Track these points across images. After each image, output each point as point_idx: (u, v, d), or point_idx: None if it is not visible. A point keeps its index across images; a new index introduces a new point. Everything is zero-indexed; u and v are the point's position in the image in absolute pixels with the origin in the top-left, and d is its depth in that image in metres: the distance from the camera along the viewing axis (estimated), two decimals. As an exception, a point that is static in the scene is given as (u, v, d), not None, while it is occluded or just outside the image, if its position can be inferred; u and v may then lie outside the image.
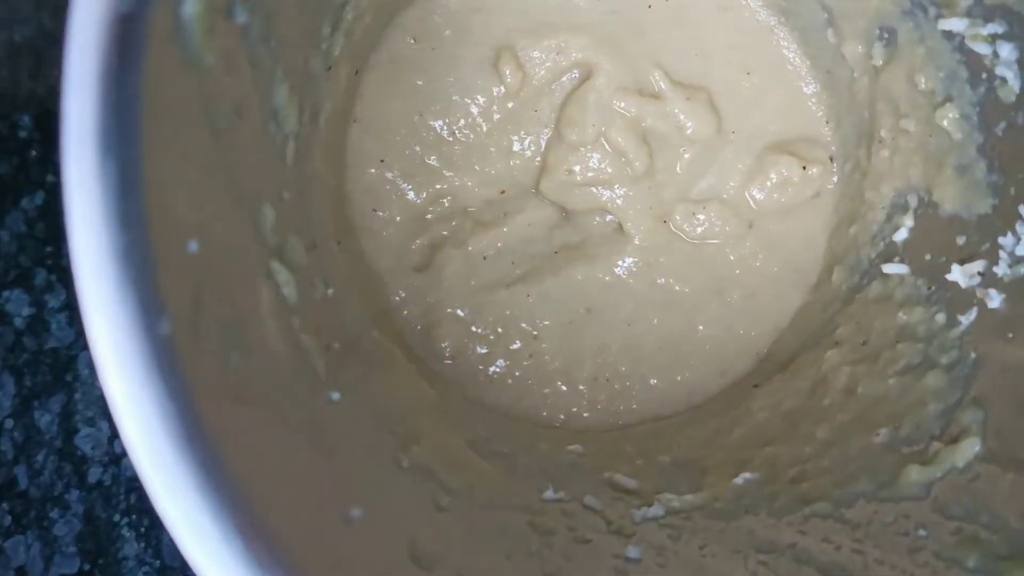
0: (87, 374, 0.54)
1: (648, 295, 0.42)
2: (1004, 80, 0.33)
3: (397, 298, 0.41)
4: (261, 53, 0.25)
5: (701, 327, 0.42)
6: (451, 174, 0.42)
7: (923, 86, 0.37)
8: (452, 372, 0.41)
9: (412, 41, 0.41)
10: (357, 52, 0.38)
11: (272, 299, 0.25)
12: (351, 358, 0.32)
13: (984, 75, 0.34)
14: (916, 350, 0.35)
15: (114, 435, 0.52)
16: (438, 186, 0.42)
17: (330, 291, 0.33)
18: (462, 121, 0.42)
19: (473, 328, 0.41)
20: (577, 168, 0.42)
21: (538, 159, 0.42)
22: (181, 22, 0.19)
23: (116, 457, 0.52)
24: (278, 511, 0.19)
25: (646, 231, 0.42)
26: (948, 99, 0.36)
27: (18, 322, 0.55)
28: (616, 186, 0.42)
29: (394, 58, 0.41)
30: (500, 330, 0.41)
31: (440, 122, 0.41)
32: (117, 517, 0.51)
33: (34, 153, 0.59)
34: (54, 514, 0.51)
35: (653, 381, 0.42)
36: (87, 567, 0.50)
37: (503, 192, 0.42)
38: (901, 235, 0.38)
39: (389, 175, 0.41)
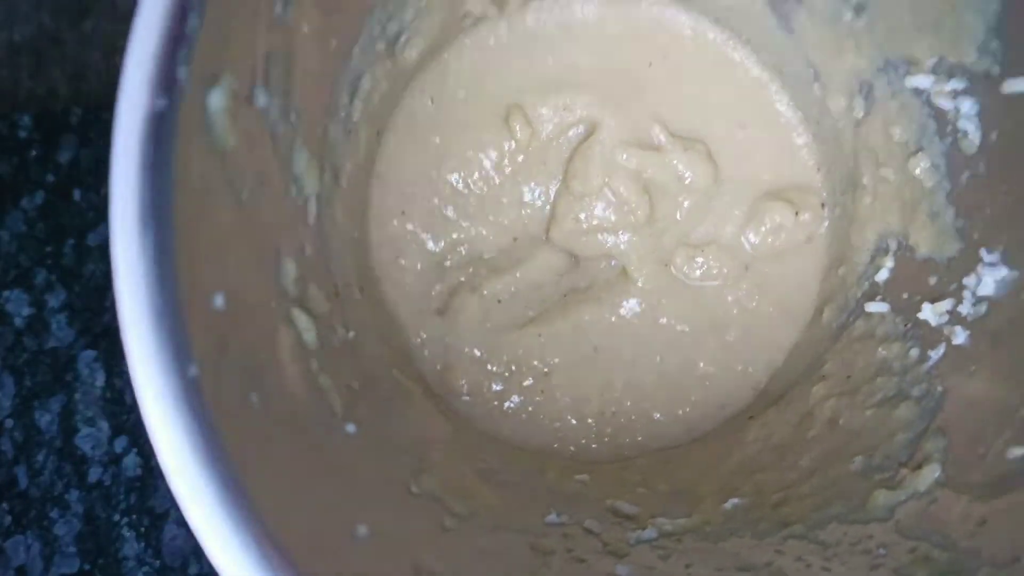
0: (87, 374, 0.53)
1: (651, 335, 0.45)
2: (966, 133, 0.36)
3: (418, 340, 0.44)
4: (281, 128, 0.29)
5: (701, 364, 0.45)
6: (467, 224, 0.45)
7: (898, 137, 0.40)
8: (468, 407, 0.44)
9: (429, 102, 0.45)
10: (376, 115, 0.41)
11: (292, 344, 0.29)
12: (369, 395, 0.35)
13: (949, 128, 0.37)
14: (892, 383, 0.38)
15: (114, 435, 0.52)
16: (455, 235, 0.45)
17: (351, 334, 0.36)
18: (476, 174, 0.45)
19: (488, 367, 0.45)
20: (583, 216, 0.45)
21: (547, 208, 0.45)
22: (208, 114, 0.23)
23: (116, 457, 0.52)
24: (289, 525, 0.23)
25: (649, 274, 0.45)
26: (920, 149, 0.39)
27: (18, 322, 0.55)
28: (620, 233, 0.45)
29: (413, 118, 0.45)
30: (513, 368, 0.45)
31: (456, 176, 0.45)
32: (117, 517, 0.51)
33: (34, 153, 0.58)
34: (54, 514, 0.51)
35: (656, 415, 0.45)
36: (87, 567, 0.50)
37: (515, 240, 0.45)
38: (883, 276, 0.41)
39: (410, 226, 0.45)
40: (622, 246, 0.45)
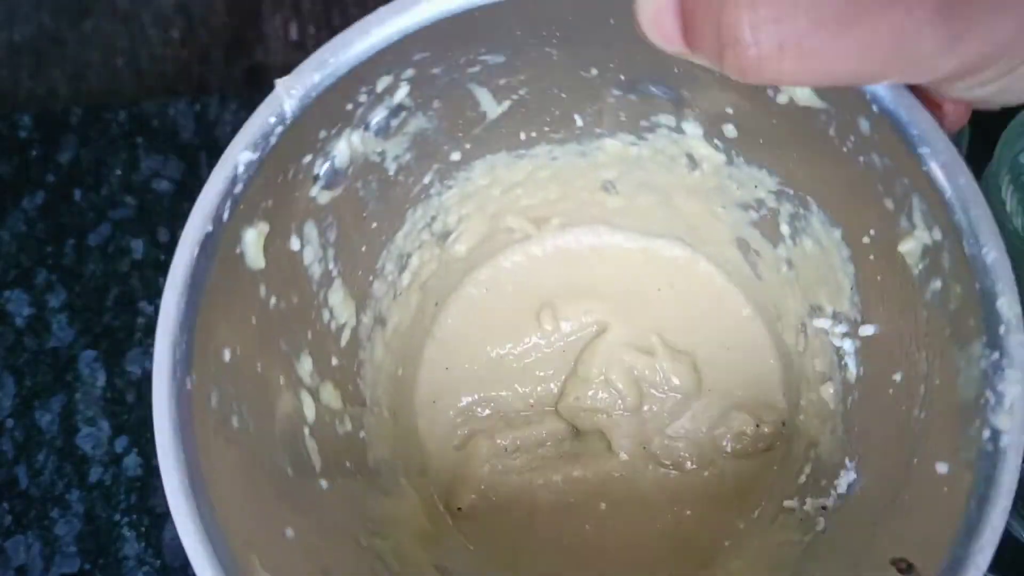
0: (87, 374, 0.56)
1: (624, 499, 0.55)
2: (848, 366, 0.46)
3: (435, 464, 0.56)
4: (317, 270, 0.43)
5: (658, 527, 0.54)
6: (496, 387, 0.58)
7: (818, 368, 0.50)
8: (459, 522, 0.55)
9: (484, 290, 0.59)
10: (430, 289, 0.55)
11: (290, 410, 0.42)
12: (360, 478, 0.47)
13: (842, 362, 0.47)
14: (775, 562, 0.47)
15: (115, 435, 0.54)
16: (482, 394, 0.57)
17: (362, 434, 0.49)
18: (509, 351, 0.58)
19: (488, 498, 0.56)
20: (584, 396, 0.57)
21: (557, 387, 0.57)
22: (242, 243, 0.37)
23: (116, 457, 0.54)
24: (231, 514, 0.35)
25: (630, 452, 0.56)
26: (829, 379, 0.48)
27: (18, 322, 0.57)
28: (612, 414, 0.56)
29: (469, 300, 0.59)
30: (506, 503, 0.56)
31: (494, 349, 0.58)
32: (117, 517, 0.52)
33: (34, 153, 0.61)
34: (54, 514, 0.52)
35: (615, 567, 0.54)
36: (87, 567, 0.51)
37: (531, 405, 0.57)
38: (801, 479, 0.50)
39: (450, 379, 0.58)
40: (612, 426, 0.56)
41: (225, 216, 0.36)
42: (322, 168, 0.40)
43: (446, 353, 0.58)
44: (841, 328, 0.46)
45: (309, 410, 0.44)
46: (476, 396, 0.57)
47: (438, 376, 0.58)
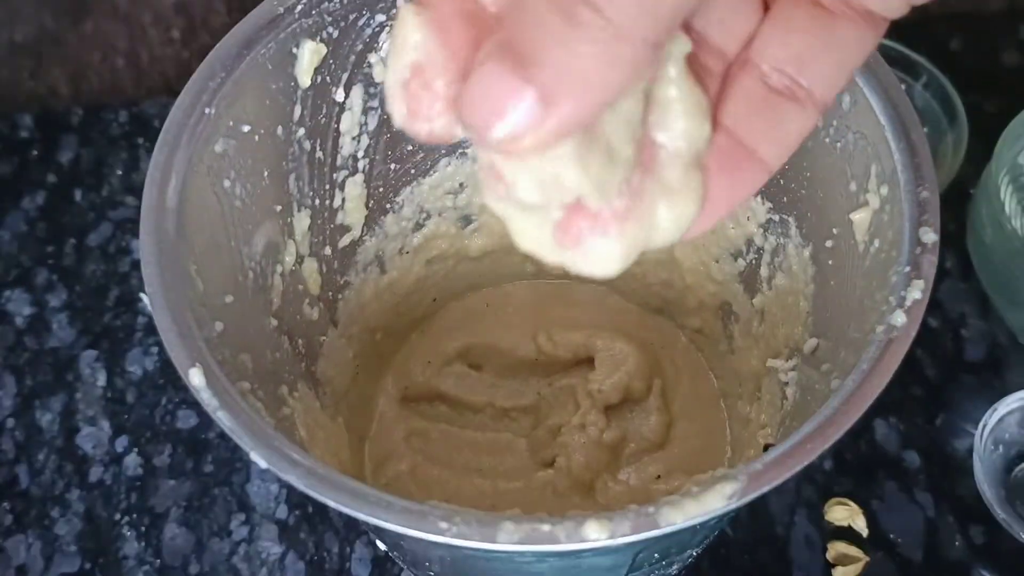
0: (88, 373, 0.55)
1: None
2: (787, 397, 0.44)
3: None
4: (348, 144, 0.44)
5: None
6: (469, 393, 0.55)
7: (762, 420, 0.47)
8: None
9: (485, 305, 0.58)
10: (434, 280, 0.54)
11: (273, 238, 0.41)
12: (304, 366, 0.45)
13: (783, 395, 0.45)
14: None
15: (115, 434, 0.54)
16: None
17: (322, 339, 0.47)
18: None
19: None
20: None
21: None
22: (299, 49, 0.39)
23: (117, 456, 0.53)
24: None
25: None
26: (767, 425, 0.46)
27: (19, 322, 0.56)
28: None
29: (467, 311, 0.57)
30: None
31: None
32: (117, 516, 0.51)
33: (34, 153, 0.62)
34: (55, 513, 0.51)
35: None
36: (87, 566, 0.50)
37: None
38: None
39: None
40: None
41: (298, 9, 0.38)
42: (384, 43, 0.41)
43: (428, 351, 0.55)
44: (790, 363, 0.44)
45: (289, 256, 0.42)
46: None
47: (414, 370, 0.55)
